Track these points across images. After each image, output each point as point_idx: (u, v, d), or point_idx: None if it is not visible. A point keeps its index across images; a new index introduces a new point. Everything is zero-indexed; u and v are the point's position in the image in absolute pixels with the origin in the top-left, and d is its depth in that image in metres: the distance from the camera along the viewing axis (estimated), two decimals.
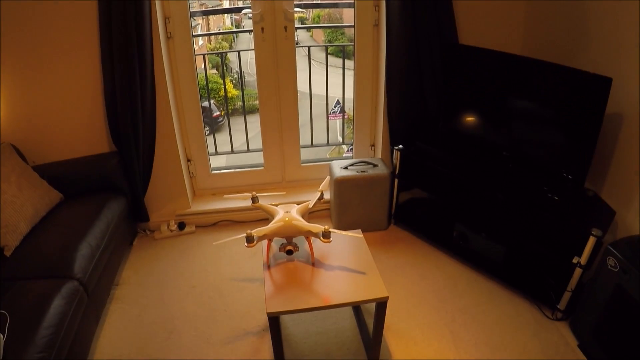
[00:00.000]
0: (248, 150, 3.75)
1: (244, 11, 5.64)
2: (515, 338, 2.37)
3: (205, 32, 9.06)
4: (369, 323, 2.40)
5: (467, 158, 2.77)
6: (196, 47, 3.08)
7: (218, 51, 9.28)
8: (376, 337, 2.13)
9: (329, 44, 9.32)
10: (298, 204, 2.29)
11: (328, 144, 4.15)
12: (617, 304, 2.02)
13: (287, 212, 2.17)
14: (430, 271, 2.86)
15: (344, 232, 2.18)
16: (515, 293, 2.66)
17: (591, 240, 2.17)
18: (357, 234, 2.33)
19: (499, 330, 2.42)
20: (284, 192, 2.77)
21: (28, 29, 2.60)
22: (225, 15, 11.34)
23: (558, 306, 2.44)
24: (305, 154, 3.56)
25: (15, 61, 2.66)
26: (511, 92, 2.60)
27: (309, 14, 9.22)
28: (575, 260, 2.28)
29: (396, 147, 3.10)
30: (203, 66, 3.56)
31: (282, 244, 2.18)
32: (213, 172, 3.51)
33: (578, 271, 2.29)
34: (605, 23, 2.43)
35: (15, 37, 2.60)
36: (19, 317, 1.82)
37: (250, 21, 3.03)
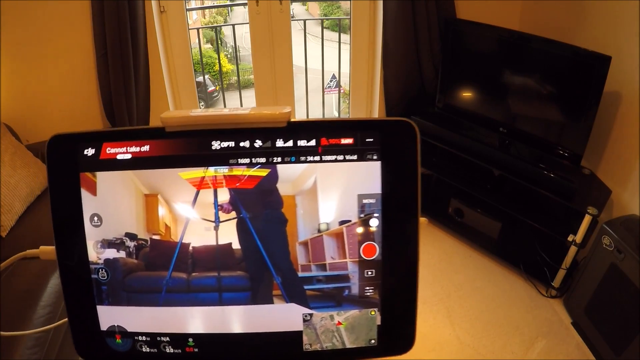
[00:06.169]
0: None
1: None
2: (509, 314, 2.39)
3: (199, 6, 8.90)
4: None
5: (463, 133, 2.75)
6: (190, 22, 3.03)
7: (212, 25, 9.14)
8: None
9: (324, 17, 9.19)
10: None
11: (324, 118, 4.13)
12: (611, 283, 2.04)
13: None
14: (426, 246, 2.88)
15: None
16: (510, 269, 2.68)
17: (587, 219, 2.18)
18: None
19: (493, 307, 2.44)
20: None
21: (19, 6, 2.54)
22: None
23: (552, 283, 2.46)
24: None
25: (7, 39, 2.60)
26: (509, 68, 2.58)
27: None
28: (570, 239, 2.29)
29: None
30: (197, 41, 3.48)
31: None
32: None
33: (573, 249, 2.31)
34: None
35: (6, 14, 2.54)
36: (16, 297, 1.82)
37: None
